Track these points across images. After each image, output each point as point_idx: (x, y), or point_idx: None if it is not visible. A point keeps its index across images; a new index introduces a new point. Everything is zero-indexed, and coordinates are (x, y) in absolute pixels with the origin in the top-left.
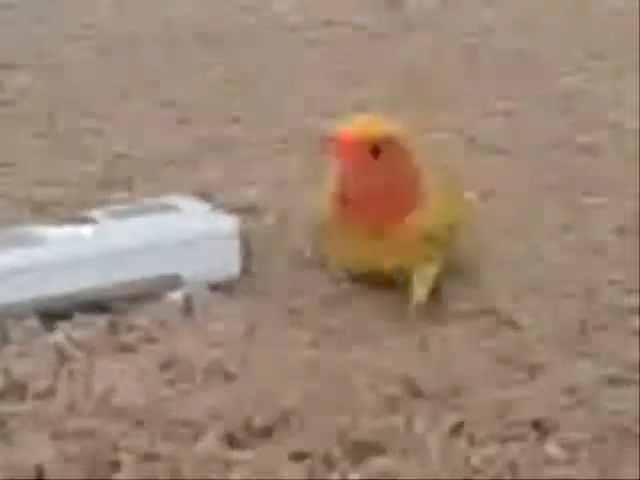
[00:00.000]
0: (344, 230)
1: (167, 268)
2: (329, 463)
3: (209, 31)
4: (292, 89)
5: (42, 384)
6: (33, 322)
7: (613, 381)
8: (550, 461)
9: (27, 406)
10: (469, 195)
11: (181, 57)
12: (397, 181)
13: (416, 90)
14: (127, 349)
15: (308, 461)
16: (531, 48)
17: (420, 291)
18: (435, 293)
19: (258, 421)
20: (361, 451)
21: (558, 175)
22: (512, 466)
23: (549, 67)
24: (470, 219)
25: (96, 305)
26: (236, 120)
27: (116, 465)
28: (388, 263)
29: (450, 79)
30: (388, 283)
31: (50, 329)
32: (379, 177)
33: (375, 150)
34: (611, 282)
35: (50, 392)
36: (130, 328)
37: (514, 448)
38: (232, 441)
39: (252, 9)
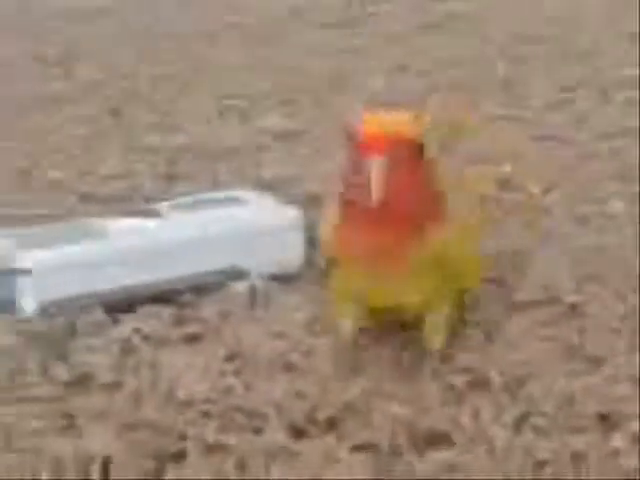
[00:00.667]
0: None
1: (231, 260)
2: (394, 454)
3: (271, 24)
4: (355, 82)
5: (108, 376)
6: (99, 315)
7: None
8: (616, 453)
9: (94, 398)
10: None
11: (244, 50)
12: (426, 191)
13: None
14: (192, 341)
15: (373, 452)
16: (590, 38)
17: (435, 340)
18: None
19: (322, 412)
20: (426, 442)
21: (621, 164)
22: (577, 458)
23: (609, 57)
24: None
25: (161, 297)
26: (299, 112)
27: (182, 456)
28: (397, 300)
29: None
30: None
31: (116, 322)
32: (415, 182)
33: (418, 150)
34: None
35: (116, 384)
36: (195, 320)
37: (580, 440)
38: (296, 432)
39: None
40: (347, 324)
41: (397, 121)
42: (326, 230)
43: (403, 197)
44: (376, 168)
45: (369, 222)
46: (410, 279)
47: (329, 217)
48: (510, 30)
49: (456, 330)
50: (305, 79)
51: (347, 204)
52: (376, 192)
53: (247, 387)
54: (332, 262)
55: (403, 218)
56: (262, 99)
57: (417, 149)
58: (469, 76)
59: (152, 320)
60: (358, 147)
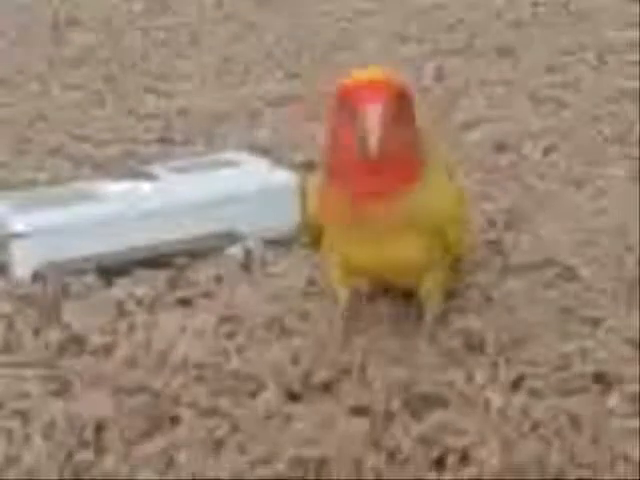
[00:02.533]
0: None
1: (226, 223)
2: (389, 416)
3: None
4: (349, 46)
5: (102, 339)
6: (93, 278)
7: None
8: (612, 413)
9: (87, 361)
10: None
11: (238, 15)
12: (411, 141)
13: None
14: (186, 304)
15: (368, 415)
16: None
17: (431, 303)
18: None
19: (317, 375)
20: (421, 404)
21: (619, 127)
22: (574, 419)
23: (607, 20)
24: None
25: (155, 261)
26: (294, 77)
27: (176, 420)
28: (388, 260)
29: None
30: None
31: (110, 285)
32: (402, 132)
33: (401, 100)
34: None
35: (110, 347)
36: (189, 283)
37: (576, 401)
38: (291, 395)
39: None
40: (341, 288)
41: (385, 73)
42: (313, 196)
43: (397, 150)
44: (373, 115)
45: (359, 181)
46: (402, 239)
47: (315, 183)
48: None
49: (452, 293)
50: (304, 43)
51: (334, 166)
52: (376, 140)
53: (242, 351)
54: (320, 228)
55: (396, 174)
56: (259, 63)
57: (408, 100)
58: (467, 39)
59: (146, 283)
60: (348, 100)
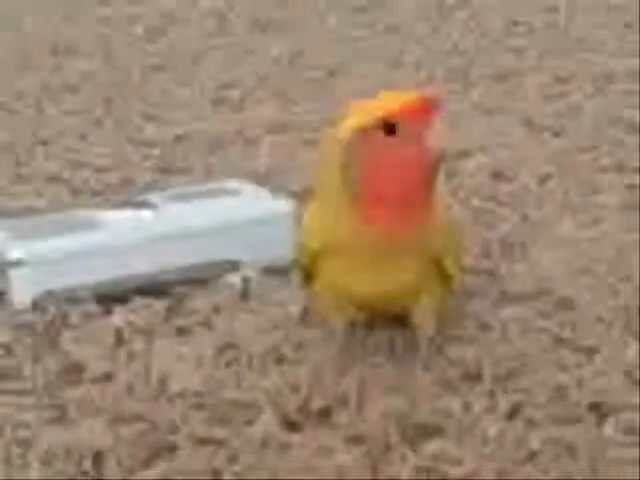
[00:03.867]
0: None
1: (225, 252)
2: (387, 446)
3: (265, 15)
4: (347, 72)
5: (100, 367)
6: (91, 306)
7: None
8: (608, 443)
9: (85, 390)
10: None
11: (235, 40)
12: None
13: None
14: (185, 333)
15: (365, 444)
16: (588, 30)
17: (426, 326)
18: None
19: (315, 404)
20: (419, 433)
21: (617, 155)
22: (570, 448)
23: (605, 48)
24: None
25: (154, 289)
26: (293, 103)
27: (174, 448)
28: (390, 285)
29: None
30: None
31: (108, 313)
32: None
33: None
34: None
35: (108, 376)
36: (188, 312)
37: (572, 430)
38: (289, 424)
39: None
40: (337, 317)
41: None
42: (310, 227)
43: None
44: (441, 123)
45: (395, 210)
46: (402, 266)
47: (312, 214)
48: (506, 20)
49: (446, 319)
50: (301, 69)
51: (370, 196)
52: (444, 141)
53: (240, 379)
54: (314, 259)
55: (423, 204)
56: (256, 90)
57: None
58: (464, 66)
59: (144, 312)
60: (406, 120)
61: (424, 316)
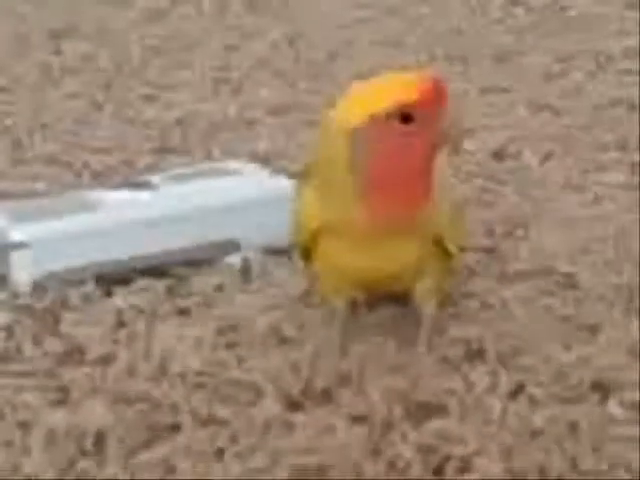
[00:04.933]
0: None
1: (225, 232)
2: (389, 425)
3: None
4: (347, 54)
5: (101, 349)
6: (91, 287)
7: None
8: (612, 421)
9: (87, 371)
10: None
11: (235, 23)
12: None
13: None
14: (185, 313)
15: (368, 423)
16: (588, 10)
17: (428, 304)
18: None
19: (317, 384)
20: (421, 413)
21: (618, 134)
22: (573, 427)
23: (605, 27)
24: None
25: (154, 270)
26: (292, 85)
27: (176, 428)
28: (390, 265)
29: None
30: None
31: (108, 294)
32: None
33: None
34: None
35: (109, 357)
36: (188, 293)
37: (575, 409)
38: (291, 404)
39: None
40: (338, 297)
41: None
42: (310, 206)
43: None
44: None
45: (410, 186)
46: (404, 246)
47: (312, 190)
48: (506, 0)
49: (448, 298)
50: (301, 51)
51: (380, 180)
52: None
53: (241, 360)
54: (316, 235)
55: (427, 186)
56: (256, 71)
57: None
58: (465, 47)
59: (145, 293)
60: (424, 108)
61: (425, 295)
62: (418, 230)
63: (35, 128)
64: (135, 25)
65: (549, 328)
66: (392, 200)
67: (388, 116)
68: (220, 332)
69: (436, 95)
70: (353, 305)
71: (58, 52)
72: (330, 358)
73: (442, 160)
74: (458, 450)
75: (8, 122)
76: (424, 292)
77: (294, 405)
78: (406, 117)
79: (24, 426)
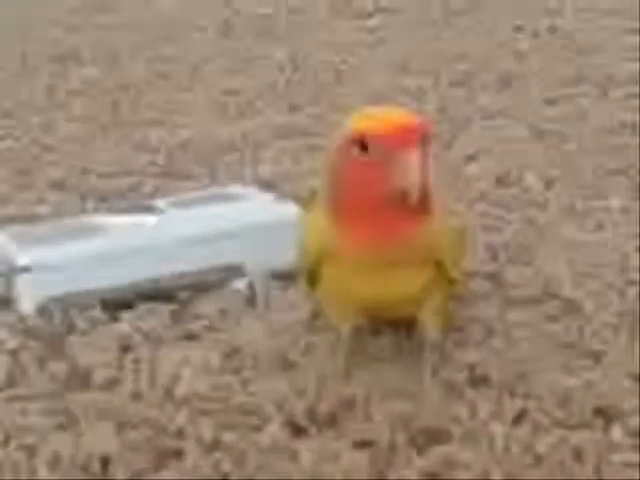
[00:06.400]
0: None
1: (230, 257)
2: (393, 450)
3: (269, 21)
4: (351, 77)
5: (107, 373)
6: (97, 312)
7: None
8: (615, 447)
9: (92, 395)
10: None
11: (240, 47)
12: (430, 181)
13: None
14: (191, 338)
15: (372, 448)
16: (591, 35)
17: (432, 329)
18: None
19: (322, 409)
20: (425, 438)
21: (621, 159)
22: (577, 452)
23: (609, 52)
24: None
25: (159, 294)
26: (298, 109)
27: (181, 453)
28: (393, 293)
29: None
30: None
31: (114, 319)
32: (427, 174)
33: (428, 143)
34: None
35: (115, 381)
36: (194, 317)
37: (579, 435)
38: (296, 429)
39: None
40: (342, 322)
41: (406, 114)
42: (312, 233)
43: (423, 189)
44: (413, 162)
45: (380, 220)
46: (405, 272)
47: (314, 219)
48: (510, 25)
49: (451, 323)
50: (306, 74)
51: (349, 206)
52: (418, 187)
53: (246, 384)
54: (318, 265)
55: (419, 210)
56: (261, 95)
57: (430, 142)
58: (469, 71)
59: (151, 317)
60: (378, 144)
61: (428, 320)
62: (418, 257)
63: (40, 152)
64: (141, 49)
65: (553, 354)
66: (366, 229)
67: (348, 142)
68: (225, 357)
69: (400, 135)
70: (358, 330)
71: (64, 75)
72: (335, 383)
73: (441, 186)
74: (462, 475)
75: (13, 145)
76: (427, 318)
77: (299, 430)
78: (363, 145)
79: (30, 450)
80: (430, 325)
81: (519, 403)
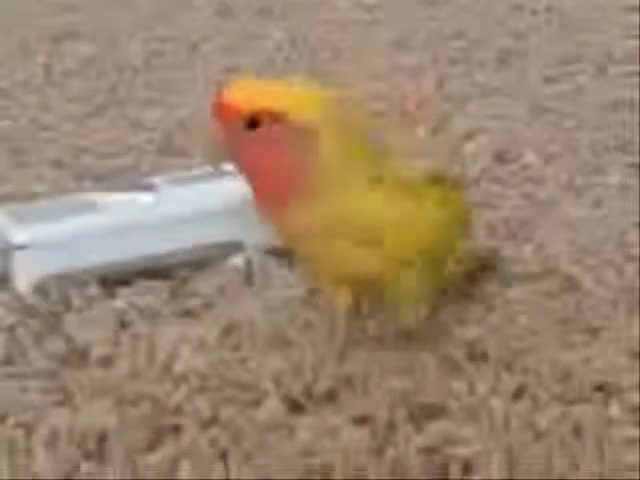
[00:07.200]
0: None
1: (227, 234)
2: (392, 426)
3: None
4: (352, 55)
5: (104, 350)
6: (94, 289)
7: None
8: (614, 423)
9: (89, 372)
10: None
11: (237, 25)
12: (277, 165)
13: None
14: (188, 315)
15: (371, 425)
16: (589, 13)
17: (403, 315)
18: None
19: (320, 386)
20: (424, 414)
21: (620, 136)
22: (576, 428)
23: (607, 30)
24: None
25: (157, 272)
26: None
27: (178, 430)
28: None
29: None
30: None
31: (111, 296)
32: (255, 154)
33: (252, 123)
34: None
35: (112, 358)
36: (191, 294)
37: (578, 410)
38: (294, 406)
39: None
40: (340, 299)
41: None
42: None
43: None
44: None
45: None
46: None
47: None
48: (508, 3)
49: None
50: (305, 52)
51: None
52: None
53: (244, 361)
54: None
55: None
56: (259, 74)
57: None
58: (467, 49)
59: (148, 294)
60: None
61: (398, 304)
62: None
63: (37, 131)
64: (137, 27)
65: (551, 330)
66: (270, 205)
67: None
68: (223, 333)
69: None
70: (356, 307)
71: (60, 54)
72: (333, 359)
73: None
74: (461, 452)
75: (10, 125)
76: (397, 300)
77: (297, 407)
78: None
79: (27, 427)
80: (400, 313)
81: (518, 378)
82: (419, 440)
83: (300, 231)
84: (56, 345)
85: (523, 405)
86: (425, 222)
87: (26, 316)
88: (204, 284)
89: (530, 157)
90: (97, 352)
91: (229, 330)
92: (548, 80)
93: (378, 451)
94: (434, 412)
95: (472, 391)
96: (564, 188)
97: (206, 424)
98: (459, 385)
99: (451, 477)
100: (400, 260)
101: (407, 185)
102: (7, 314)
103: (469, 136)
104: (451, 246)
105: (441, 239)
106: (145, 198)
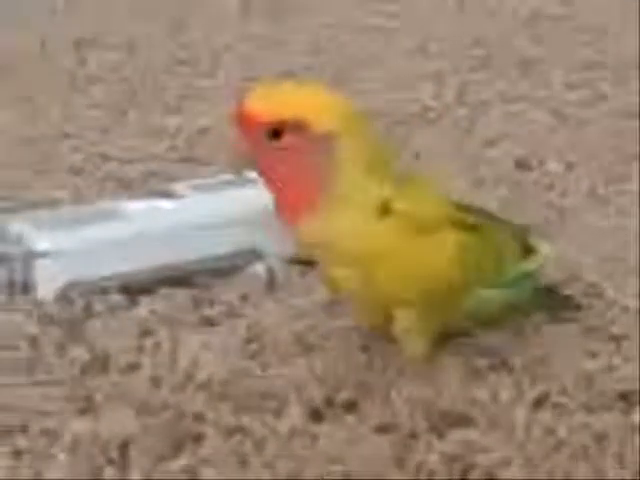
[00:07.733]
0: None
1: (249, 242)
2: (413, 434)
3: (288, 6)
4: (371, 62)
5: (126, 358)
6: (116, 297)
7: None
8: (637, 431)
9: (112, 380)
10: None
11: (258, 32)
12: (297, 175)
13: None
14: (210, 323)
15: (392, 433)
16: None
17: (408, 346)
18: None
19: (342, 394)
20: (445, 423)
21: None
22: (599, 436)
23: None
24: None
25: (178, 279)
26: None
27: (200, 438)
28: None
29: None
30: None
31: (133, 303)
32: (276, 163)
33: (274, 132)
34: None
35: (134, 366)
36: (213, 302)
37: (600, 418)
38: (316, 414)
39: None
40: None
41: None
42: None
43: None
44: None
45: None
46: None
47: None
48: (529, 9)
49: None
50: (325, 59)
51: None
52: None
53: (266, 369)
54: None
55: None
56: (280, 80)
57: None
58: (489, 56)
59: (170, 302)
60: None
61: (405, 333)
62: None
63: (60, 138)
64: (160, 35)
65: (574, 338)
66: (289, 215)
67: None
68: (245, 341)
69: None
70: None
71: (83, 61)
72: (354, 367)
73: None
74: (483, 459)
75: (33, 132)
76: (404, 330)
77: (318, 415)
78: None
79: (49, 434)
80: (407, 340)
81: (540, 386)
82: (440, 448)
83: (314, 240)
84: (78, 353)
85: (545, 413)
86: (428, 261)
87: (48, 324)
88: (226, 292)
89: (551, 164)
90: (119, 360)
91: (250, 338)
92: (569, 87)
93: (399, 459)
94: (456, 420)
95: (494, 399)
96: (586, 195)
97: (228, 432)
98: (481, 393)
99: None
100: (394, 298)
101: (418, 219)
102: (29, 322)
103: (491, 143)
104: (464, 286)
105: (448, 279)
106: (167, 206)
